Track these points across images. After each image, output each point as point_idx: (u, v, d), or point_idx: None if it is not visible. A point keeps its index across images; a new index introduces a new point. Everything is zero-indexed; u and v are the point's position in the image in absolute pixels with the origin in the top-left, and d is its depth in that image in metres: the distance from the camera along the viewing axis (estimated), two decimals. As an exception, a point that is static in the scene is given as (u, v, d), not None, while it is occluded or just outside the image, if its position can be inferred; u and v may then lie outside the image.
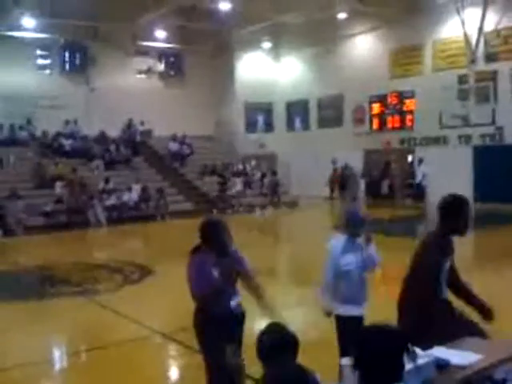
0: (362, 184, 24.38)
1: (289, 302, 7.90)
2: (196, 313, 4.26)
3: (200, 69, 26.89)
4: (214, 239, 4.19)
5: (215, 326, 4.06)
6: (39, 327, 7.67)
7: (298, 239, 15.63)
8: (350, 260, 4.64)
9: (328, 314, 4.75)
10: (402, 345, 2.29)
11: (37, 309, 8.77)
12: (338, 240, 4.77)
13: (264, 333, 2.94)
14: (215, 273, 4.11)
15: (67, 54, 24.69)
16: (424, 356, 3.18)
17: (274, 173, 24.81)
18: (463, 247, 13.66)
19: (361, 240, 4.75)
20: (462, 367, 3.43)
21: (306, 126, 27.49)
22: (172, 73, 27.25)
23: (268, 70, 27.75)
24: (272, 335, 2.90)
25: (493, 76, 20.09)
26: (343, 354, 4.32)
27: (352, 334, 2.51)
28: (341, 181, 20.95)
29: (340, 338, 4.68)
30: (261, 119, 28.15)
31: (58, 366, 6.48)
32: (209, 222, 4.36)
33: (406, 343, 2.29)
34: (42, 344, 6.97)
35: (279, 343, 2.84)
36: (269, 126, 28.31)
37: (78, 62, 24.82)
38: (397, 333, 2.37)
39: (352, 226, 4.71)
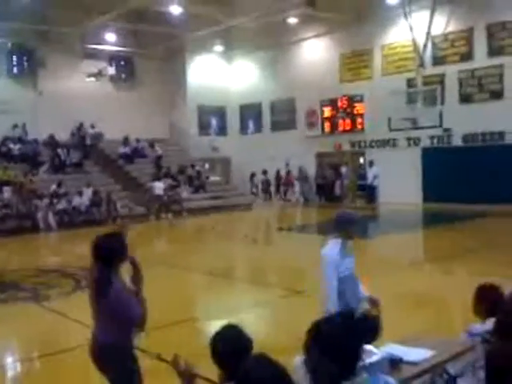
0: (314, 187, 24.78)
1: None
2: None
3: (152, 72, 26.72)
4: None
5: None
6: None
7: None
8: (348, 264, 4.51)
9: None
10: (358, 339, 2.28)
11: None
12: (333, 246, 4.52)
13: (218, 338, 2.80)
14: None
15: (15, 58, 24.04)
16: (377, 353, 3.24)
17: (265, 172, 25.46)
18: (412, 245, 14.00)
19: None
20: (415, 363, 3.52)
21: (259, 129, 27.62)
22: (123, 76, 26.92)
23: (221, 74, 27.77)
24: (227, 341, 2.76)
25: (440, 79, 20.66)
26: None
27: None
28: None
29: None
30: (214, 122, 28.12)
31: (10, 373, 6.32)
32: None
33: (362, 339, 2.30)
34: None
35: (234, 349, 2.68)
36: (222, 129, 28.31)
37: (26, 65, 24.20)
38: (355, 326, 2.36)
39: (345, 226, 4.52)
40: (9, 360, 6.77)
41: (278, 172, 25.62)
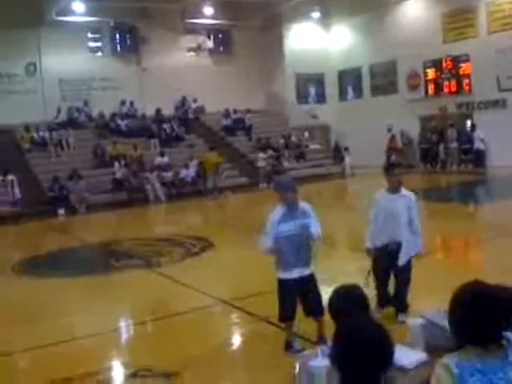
0: (418, 151, 24.02)
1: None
2: None
3: (249, 43, 26.82)
4: None
5: None
6: (106, 299, 7.99)
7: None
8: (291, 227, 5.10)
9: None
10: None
11: (103, 282, 9.12)
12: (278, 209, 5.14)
13: (336, 294, 3.08)
14: None
15: (118, 36, 25.00)
16: None
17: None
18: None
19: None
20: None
21: (358, 94, 27.09)
22: (221, 49, 27.27)
23: (318, 40, 27.38)
24: (342, 290, 3.06)
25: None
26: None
27: None
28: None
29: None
30: (312, 90, 27.88)
31: (125, 336, 6.74)
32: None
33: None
34: (109, 315, 7.24)
35: (348, 296, 2.98)
36: (321, 97, 28.03)
37: (128, 42, 25.11)
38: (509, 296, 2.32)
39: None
40: (126, 322, 7.22)
41: (392, 137, 24.80)
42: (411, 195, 5.77)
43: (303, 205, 5.18)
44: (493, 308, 2.14)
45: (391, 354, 2.09)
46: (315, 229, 5.07)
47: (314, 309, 5.17)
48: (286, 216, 5.04)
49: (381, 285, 5.85)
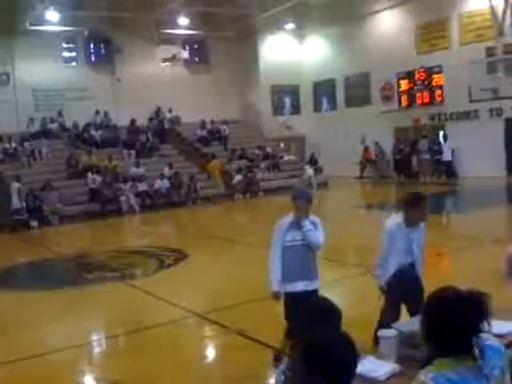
0: (391, 163, 24.28)
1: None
2: None
3: (224, 54, 26.90)
4: None
5: None
6: (79, 312, 7.88)
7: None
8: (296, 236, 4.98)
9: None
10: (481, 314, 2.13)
11: (76, 295, 8.99)
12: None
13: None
14: None
15: (92, 46, 24.87)
16: None
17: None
18: (497, 222, 13.47)
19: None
20: (499, 336, 3.40)
21: (333, 106, 27.31)
22: (197, 59, 27.29)
23: (293, 52, 27.57)
24: (314, 303, 2.98)
25: (522, 47, 19.61)
26: None
27: None
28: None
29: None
30: (288, 101, 28.04)
31: (98, 349, 6.65)
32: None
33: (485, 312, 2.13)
34: (81, 328, 7.14)
35: (318, 310, 2.84)
36: (296, 108, 28.20)
37: (103, 52, 24.99)
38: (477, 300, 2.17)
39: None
40: (99, 336, 7.11)
41: (365, 148, 25.04)
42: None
43: (313, 217, 5.00)
44: (458, 312, 2.09)
45: (355, 360, 2.03)
46: (317, 238, 4.91)
47: None
48: (294, 225, 4.91)
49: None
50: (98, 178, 19.69)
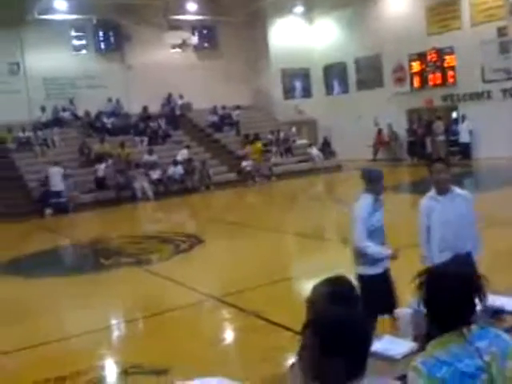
0: (405, 145, 24.17)
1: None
2: None
3: (234, 39, 26.76)
4: None
5: None
6: (97, 298, 7.98)
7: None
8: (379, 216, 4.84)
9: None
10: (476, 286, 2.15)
11: (93, 280, 9.09)
12: (364, 199, 4.86)
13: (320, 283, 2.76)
14: None
15: (101, 33, 24.78)
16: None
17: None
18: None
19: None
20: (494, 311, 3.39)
21: (344, 89, 27.14)
22: (206, 45, 27.19)
23: (303, 35, 27.36)
24: (326, 284, 2.73)
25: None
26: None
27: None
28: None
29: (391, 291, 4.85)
30: (298, 85, 27.91)
31: (116, 333, 6.74)
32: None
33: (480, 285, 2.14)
34: (99, 313, 7.25)
35: (330, 292, 2.64)
36: (307, 92, 28.07)
37: (112, 40, 24.91)
38: (471, 274, 2.22)
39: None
40: (117, 320, 7.22)
41: (379, 131, 24.93)
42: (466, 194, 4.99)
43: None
44: (444, 288, 2.12)
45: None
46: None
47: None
48: (375, 206, 4.78)
49: None
50: (102, 166, 19.59)
